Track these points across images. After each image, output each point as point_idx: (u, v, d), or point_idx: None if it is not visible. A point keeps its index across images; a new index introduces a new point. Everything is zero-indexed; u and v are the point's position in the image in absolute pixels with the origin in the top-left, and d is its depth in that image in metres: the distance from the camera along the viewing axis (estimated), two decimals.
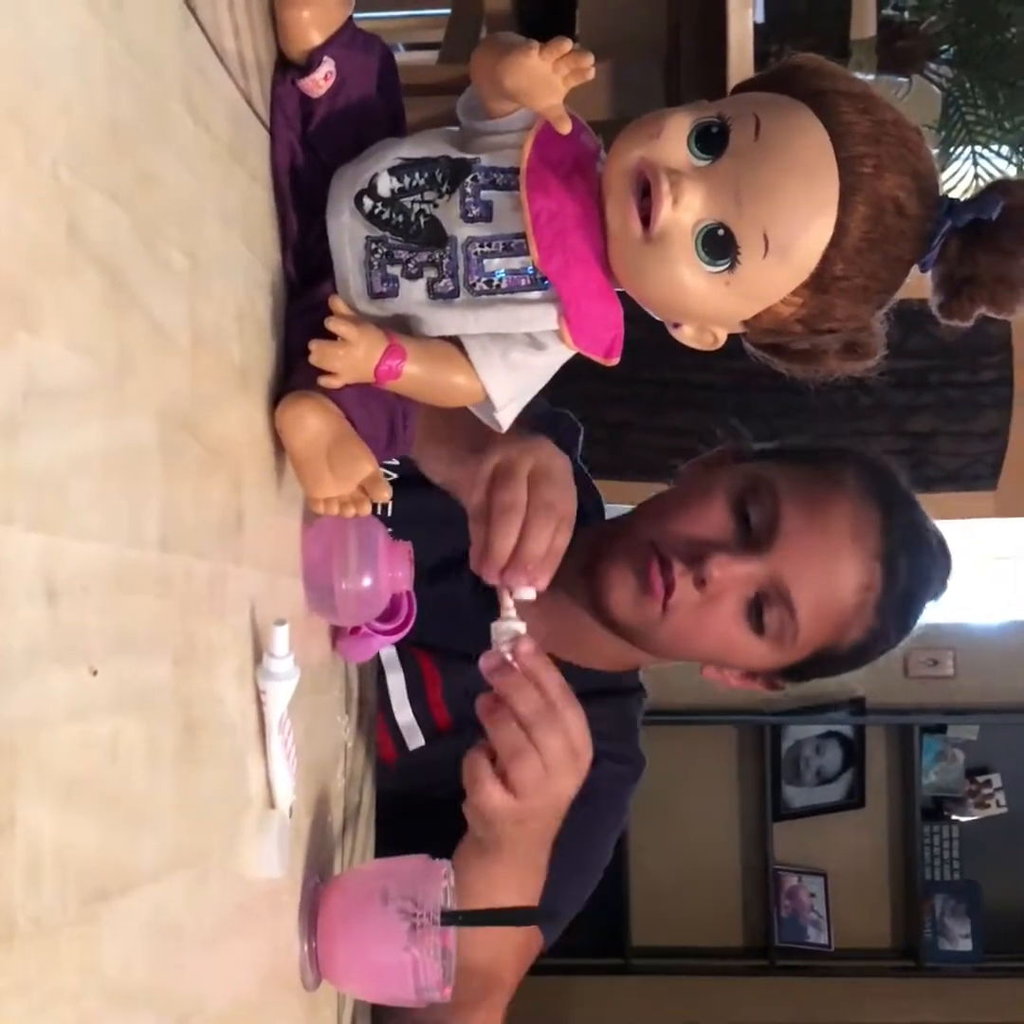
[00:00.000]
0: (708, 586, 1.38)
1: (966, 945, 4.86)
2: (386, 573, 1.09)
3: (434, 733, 1.54)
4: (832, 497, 1.42)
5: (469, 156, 0.99)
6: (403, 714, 1.52)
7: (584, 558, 1.48)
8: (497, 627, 1.26)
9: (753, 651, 1.43)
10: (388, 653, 1.51)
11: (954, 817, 4.88)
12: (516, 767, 1.22)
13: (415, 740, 1.53)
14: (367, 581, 1.08)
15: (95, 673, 0.65)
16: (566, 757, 1.24)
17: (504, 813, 1.25)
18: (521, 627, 1.25)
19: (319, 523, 1.07)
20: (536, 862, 1.35)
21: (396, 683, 1.52)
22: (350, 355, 0.95)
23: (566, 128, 0.94)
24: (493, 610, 1.35)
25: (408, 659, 1.53)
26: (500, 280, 0.99)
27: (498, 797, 1.24)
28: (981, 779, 4.87)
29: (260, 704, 0.95)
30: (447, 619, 1.48)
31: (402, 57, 3.73)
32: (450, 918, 1.06)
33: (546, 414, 1.67)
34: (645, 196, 0.95)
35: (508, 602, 1.26)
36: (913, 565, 1.44)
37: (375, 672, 1.49)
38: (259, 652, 0.94)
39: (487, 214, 0.98)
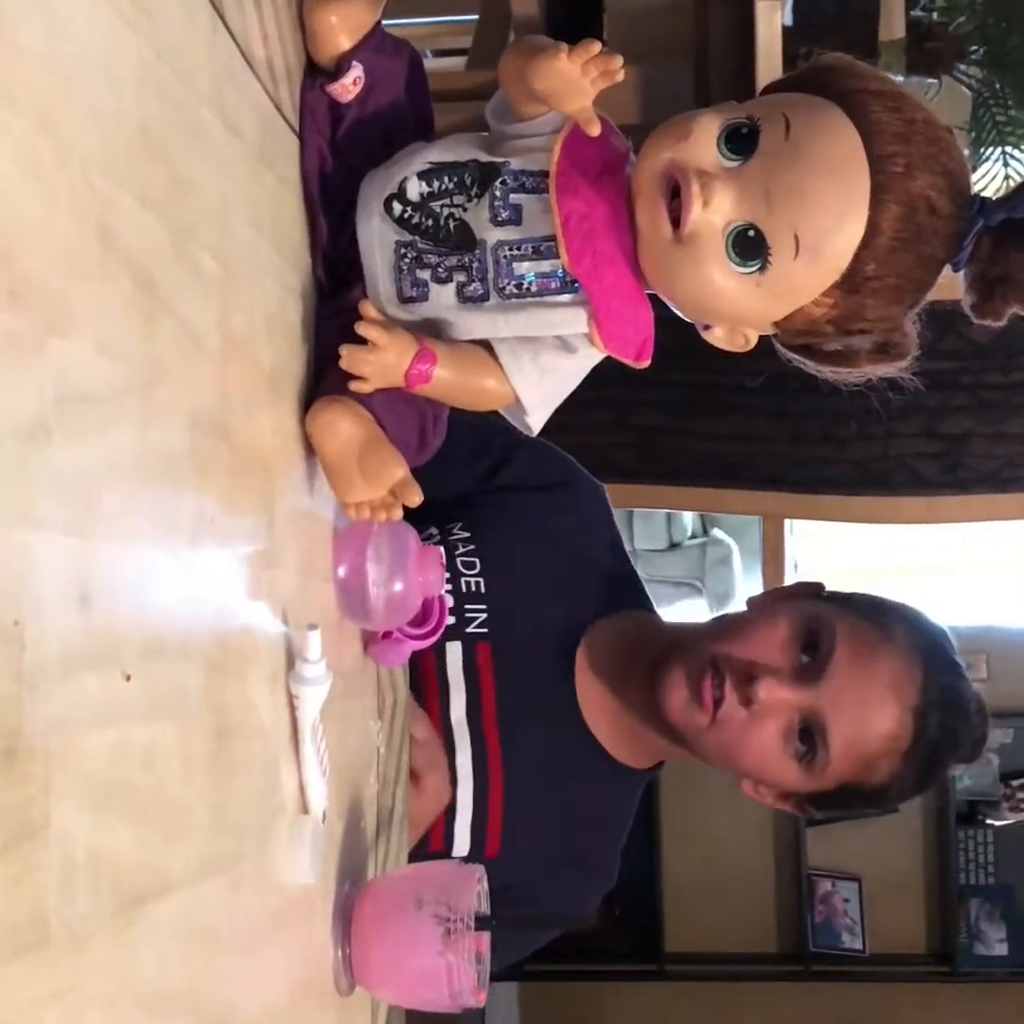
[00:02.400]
0: (754, 706, 1.44)
1: (1002, 950, 4.83)
2: (417, 578, 1.09)
3: (479, 855, 1.55)
4: (880, 647, 1.48)
5: (498, 160, 0.99)
6: (462, 834, 1.55)
7: (645, 659, 1.54)
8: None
9: (786, 773, 1.49)
10: (464, 764, 1.54)
11: (988, 821, 4.86)
12: None
13: (461, 851, 1.55)
14: (398, 586, 1.08)
15: (128, 678, 0.65)
16: None
17: None
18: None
19: (350, 528, 1.07)
20: None
21: (464, 798, 1.54)
22: (380, 359, 0.95)
23: (595, 130, 0.94)
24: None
25: (480, 781, 1.55)
26: (530, 283, 0.98)
27: None
28: (1015, 783, 4.85)
29: (293, 709, 0.95)
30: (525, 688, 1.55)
31: (430, 63, 3.73)
32: (484, 923, 1.06)
33: (572, 475, 1.69)
34: (675, 198, 0.95)
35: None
36: (944, 723, 1.49)
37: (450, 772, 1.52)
38: (291, 657, 0.94)
39: (516, 217, 0.98)
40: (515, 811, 1.55)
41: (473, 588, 1.55)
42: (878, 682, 1.46)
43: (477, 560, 1.56)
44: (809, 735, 1.45)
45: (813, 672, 1.45)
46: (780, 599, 1.61)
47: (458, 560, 1.54)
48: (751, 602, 1.64)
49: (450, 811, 1.52)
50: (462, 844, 1.53)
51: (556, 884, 1.60)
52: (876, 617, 1.52)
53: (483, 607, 1.54)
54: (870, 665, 1.46)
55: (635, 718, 1.57)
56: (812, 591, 1.60)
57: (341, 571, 1.07)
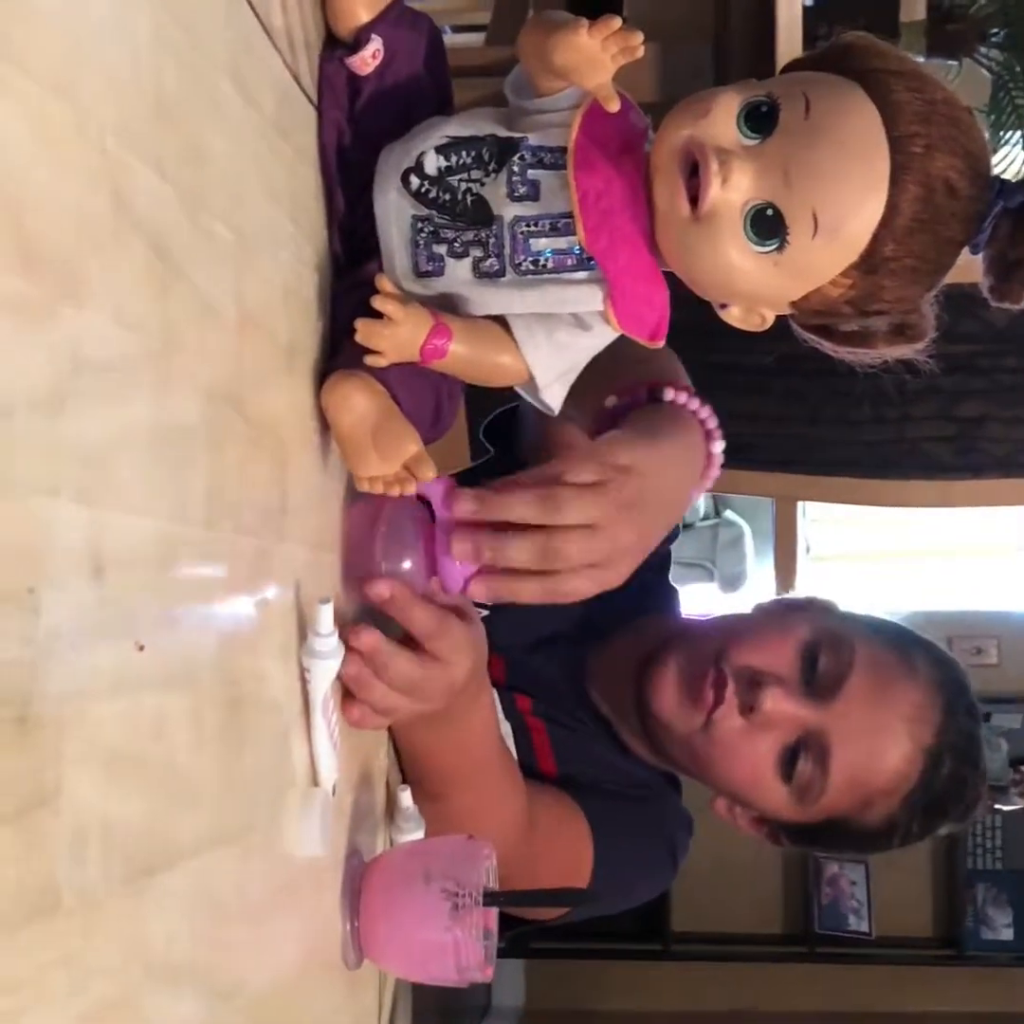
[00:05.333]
0: (754, 715, 1.38)
1: (1008, 934, 4.83)
2: (427, 556, 1.08)
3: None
4: (900, 675, 1.41)
5: (517, 135, 0.99)
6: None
7: (639, 652, 1.49)
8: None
9: (774, 795, 1.42)
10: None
11: (997, 806, 4.85)
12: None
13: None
14: (407, 563, 1.07)
15: (141, 648, 0.65)
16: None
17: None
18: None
19: (362, 502, 1.07)
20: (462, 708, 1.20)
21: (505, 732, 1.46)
22: (396, 334, 0.95)
23: (614, 106, 0.93)
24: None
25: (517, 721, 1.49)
26: (546, 260, 0.98)
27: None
28: None
29: (304, 682, 0.95)
30: (539, 688, 1.51)
31: (449, 39, 3.72)
32: (492, 899, 1.06)
33: None
34: (693, 176, 0.94)
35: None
36: (955, 772, 1.43)
37: None
38: (303, 630, 0.94)
39: (534, 193, 0.98)
40: (560, 740, 1.49)
41: None
42: (894, 712, 1.39)
43: None
44: (807, 757, 1.38)
45: (825, 689, 1.38)
46: (792, 609, 1.53)
47: None
48: (759, 607, 1.58)
49: None
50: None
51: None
52: (898, 643, 1.45)
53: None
54: (888, 693, 1.39)
55: (621, 717, 1.52)
56: (825, 607, 1.53)
57: (350, 547, 1.07)
